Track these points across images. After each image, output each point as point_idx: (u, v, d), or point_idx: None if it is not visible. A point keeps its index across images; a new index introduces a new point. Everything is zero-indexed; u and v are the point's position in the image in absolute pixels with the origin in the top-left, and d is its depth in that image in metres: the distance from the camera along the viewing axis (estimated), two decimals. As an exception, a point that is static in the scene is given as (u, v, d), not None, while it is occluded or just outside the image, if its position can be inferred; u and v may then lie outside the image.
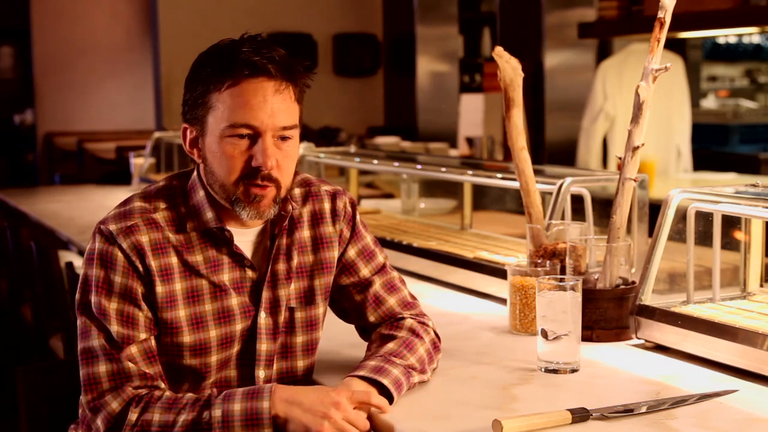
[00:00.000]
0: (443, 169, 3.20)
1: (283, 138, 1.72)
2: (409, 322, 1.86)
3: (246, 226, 1.79)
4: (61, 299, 3.40)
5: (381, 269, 1.92)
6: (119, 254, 1.71)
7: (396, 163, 3.53)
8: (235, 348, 1.78)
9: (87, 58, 9.79)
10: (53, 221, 4.36)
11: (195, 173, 1.80)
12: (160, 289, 1.71)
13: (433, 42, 7.93)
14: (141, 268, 1.71)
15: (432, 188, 4.12)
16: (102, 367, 1.66)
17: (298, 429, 1.59)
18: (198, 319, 1.73)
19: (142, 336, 1.69)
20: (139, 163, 5.39)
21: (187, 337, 1.72)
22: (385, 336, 1.83)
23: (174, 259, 1.73)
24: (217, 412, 1.58)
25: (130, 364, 1.66)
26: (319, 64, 8.04)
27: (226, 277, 1.76)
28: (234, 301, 1.76)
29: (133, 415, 1.61)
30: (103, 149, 8.55)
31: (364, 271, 1.90)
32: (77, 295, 1.73)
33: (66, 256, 4.00)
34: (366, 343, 1.91)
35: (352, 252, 1.90)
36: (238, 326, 1.77)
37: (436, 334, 1.90)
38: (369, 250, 1.92)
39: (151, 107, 8.62)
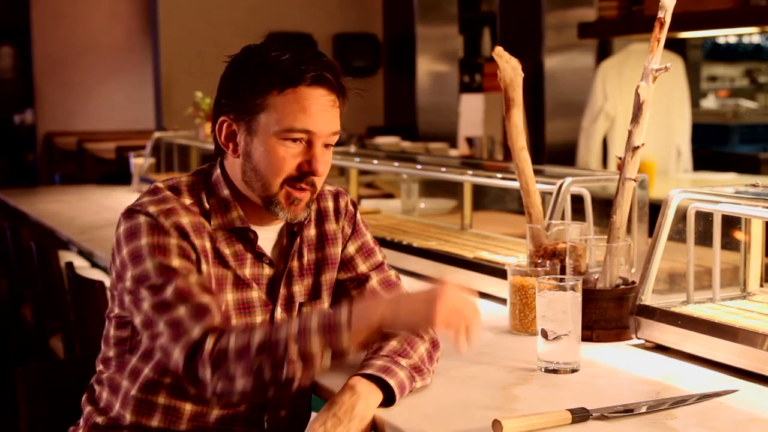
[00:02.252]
0: (443, 169, 3.20)
1: (327, 145, 1.77)
2: None
3: (267, 224, 1.82)
4: (61, 299, 3.39)
5: (378, 266, 1.95)
6: (166, 229, 1.70)
7: (396, 163, 3.53)
8: None
9: (87, 58, 9.79)
10: (53, 221, 4.36)
11: (218, 170, 1.81)
12: (201, 267, 1.72)
13: (433, 42, 7.93)
14: (191, 243, 1.71)
15: (432, 188, 4.13)
16: (182, 309, 1.63)
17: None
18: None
19: (207, 285, 1.70)
20: (139, 163, 5.39)
21: None
22: (386, 334, 1.84)
23: (208, 244, 1.75)
24: (294, 326, 1.58)
25: (207, 300, 1.65)
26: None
27: (248, 271, 1.79)
28: (254, 294, 1.79)
29: (209, 344, 1.59)
30: (103, 149, 8.55)
31: (362, 267, 1.93)
32: (130, 271, 1.69)
33: (66, 256, 4.00)
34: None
35: (351, 248, 1.93)
36: (258, 318, 1.79)
37: (434, 332, 1.90)
38: (368, 248, 1.95)
39: (151, 107, 8.62)
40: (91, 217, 4.51)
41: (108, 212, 4.66)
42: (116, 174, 6.09)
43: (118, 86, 9.92)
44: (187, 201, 1.77)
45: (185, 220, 1.72)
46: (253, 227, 1.79)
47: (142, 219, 1.71)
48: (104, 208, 4.86)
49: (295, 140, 1.73)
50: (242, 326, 1.64)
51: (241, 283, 1.78)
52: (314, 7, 8.25)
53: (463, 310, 1.61)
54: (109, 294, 1.83)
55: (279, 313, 1.82)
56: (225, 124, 1.79)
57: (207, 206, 1.78)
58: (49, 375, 2.12)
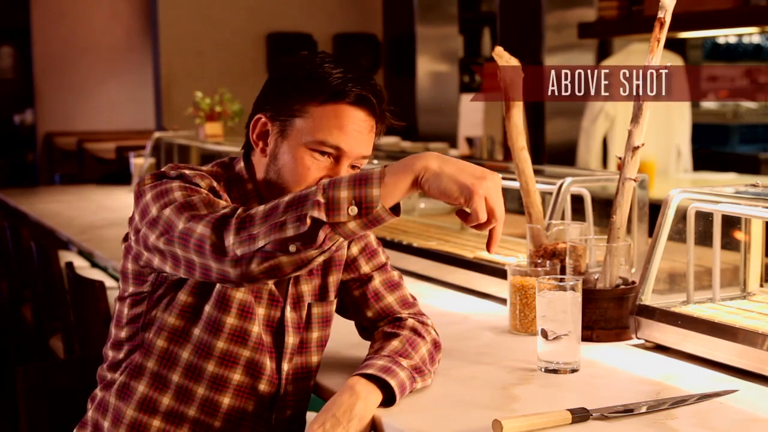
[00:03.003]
0: (443, 169, 3.19)
1: (354, 166, 1.76)
2: (410, 321, 1.89)
3: None
4: (61, 299, 3.40)
5: (382, 267, 1.95)
6: (200, 189, 1.67)
7: (396, 163, 3.53)
8: (267, 338, 1.79)
9: (87, 58, 9.79)
10: (53, 221, 4.37)
11: (242, 163, 1.80)
12: None
13: (433, 42, 7.92)
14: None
15: (432, 188, 4.11)
16: (204, 210, 1.60)
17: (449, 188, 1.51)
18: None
19: None
20: (139, 163, 5.39)
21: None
22: (388, 334, 1.85)
23: None
24: (324, 180, 1.52)
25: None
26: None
27: None
28: (264, 286, 1.79)
29: (240, 211, 1.56)
30: (103, 149, 8.56)
31: (365, 268, 1.93)
32: (151, 211, 1.65)
33: (66, 256, 4.00)
34: (367, 342, 1.92)
35: (354, 249, 1.93)
36: (262, 310, 1.79)
37: (436, 333, 1.91)
38: (371, 249, 1.95)
39: (151, 107, 8.62)
40: (91, 217, 4.51)
41: (108, 212, 4.67)
42: (116, 174, 6.10)
43: (118, 86, 9.92)
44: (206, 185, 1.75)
45: (216, 186, 1.71)
46: None
47: (174, 182, 1.67)
48: (104, 208, 4.87)
49: (323, 153, 1.71)
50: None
51: None
52: (314, 7, 8.25)
53: (497, 210, 1.54)
54: (120, 277, 1.81)
55: (288, 311, 1.82)
56: (260, 122, 1.77)
57: (227, 198, 1.76)
58: (49, 375, 2.12)
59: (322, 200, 1.49)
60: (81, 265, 4.00)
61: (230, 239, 1.54)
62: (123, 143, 7.96)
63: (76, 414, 1.89)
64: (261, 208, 1.55)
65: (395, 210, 1.54)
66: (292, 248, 1.50)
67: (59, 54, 9.65)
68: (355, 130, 1.72)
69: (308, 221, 1.49)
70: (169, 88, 7.75)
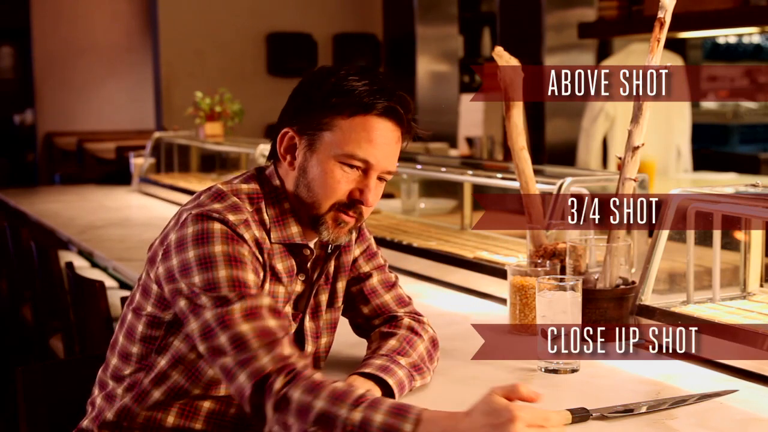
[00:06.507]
0: (443, 169, 3.20)
1: (381, 179, 1.76)
2: (407, 320, 1.90)
3: (310, 240, 1.81)
4: (61, 299, 3.40)
5: (380, 267, 1.97)
6: (243, 242, 1.67)
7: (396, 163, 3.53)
8: None
9: (87, 58, 9.79)
10: (53, 221, 4.37)
11: (277, 180, 1.79)
12: (264, 285, 1.71)
13: (433, 42, 7.92)
14: (261, 260, 1.70)
15: (432, 188, 4.12)
16: (245, 326, 1.57)
17: None
18: None
19: (275, 306, 1.65)
20: (139, 163, 5.39)
21: None
22: (386, 334, 1.86)
23: (267, 261, 1.73)
24: (357, 415, 1.46)
25: (274, 325, 1.59)
26: (319, 65, 8.05)
27: (291, 287, 1.79)
28: (289, 308, 1.80)
29: (279, 383, 1.52)
30: (103, 149, 8.56)
31: (365, 268, 1.95)
32: (196, 277, 1.62)
33: (66, 256, 4.00)
34: (364, 341, 1.93)
35: (356, 251, 1.95)
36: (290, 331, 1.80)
37: (433, 330, 1.92)
38: (372, 252, 1.97)
39: (151, 107, 8.62)
40: (91, 217, 4.51)
41: (108, 212, 4.67)
42: (116, 174, 6.10)
43: (118, 86, 9.92)
44: (249, 208, 1.74)
45: (258, 233, 1.71)
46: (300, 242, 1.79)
47: (217, 226, 1.65)
48: (104, 208, 4.87)
49: (352, 167, 1.72)
50: (315, 382, 1.51)
51: (286, 298, 1.78)
52: (314, 7, 8.25)
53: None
54: (139, 290, 1.76)
55: (307, 321, 1.83)
56: (287, 136, 1.77)
57: (266, 218, 1.75)
58: (49, 375, 2.12)
59: None
60: (81, 265, 4.00)
61: (269, 410, 1.51)
62: (123, 143, 7.96)
63: (76, 414, 1.89)
64: (297, 395, 1.49)
65: None
66: None
67: (59, 54, 9.66)
68: (383, 143, 1.72)
69: None
70: (169, 88, 7.75)
